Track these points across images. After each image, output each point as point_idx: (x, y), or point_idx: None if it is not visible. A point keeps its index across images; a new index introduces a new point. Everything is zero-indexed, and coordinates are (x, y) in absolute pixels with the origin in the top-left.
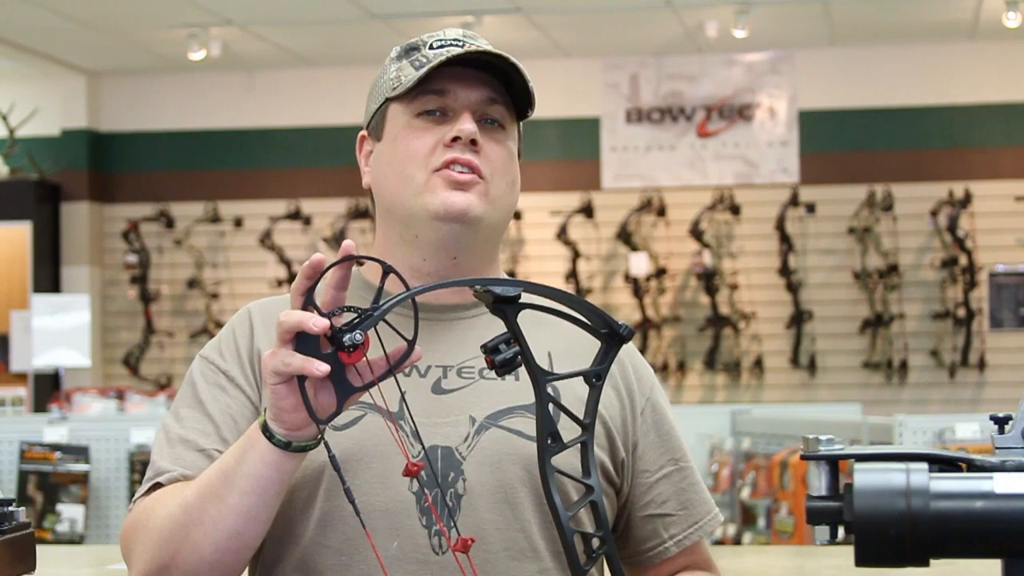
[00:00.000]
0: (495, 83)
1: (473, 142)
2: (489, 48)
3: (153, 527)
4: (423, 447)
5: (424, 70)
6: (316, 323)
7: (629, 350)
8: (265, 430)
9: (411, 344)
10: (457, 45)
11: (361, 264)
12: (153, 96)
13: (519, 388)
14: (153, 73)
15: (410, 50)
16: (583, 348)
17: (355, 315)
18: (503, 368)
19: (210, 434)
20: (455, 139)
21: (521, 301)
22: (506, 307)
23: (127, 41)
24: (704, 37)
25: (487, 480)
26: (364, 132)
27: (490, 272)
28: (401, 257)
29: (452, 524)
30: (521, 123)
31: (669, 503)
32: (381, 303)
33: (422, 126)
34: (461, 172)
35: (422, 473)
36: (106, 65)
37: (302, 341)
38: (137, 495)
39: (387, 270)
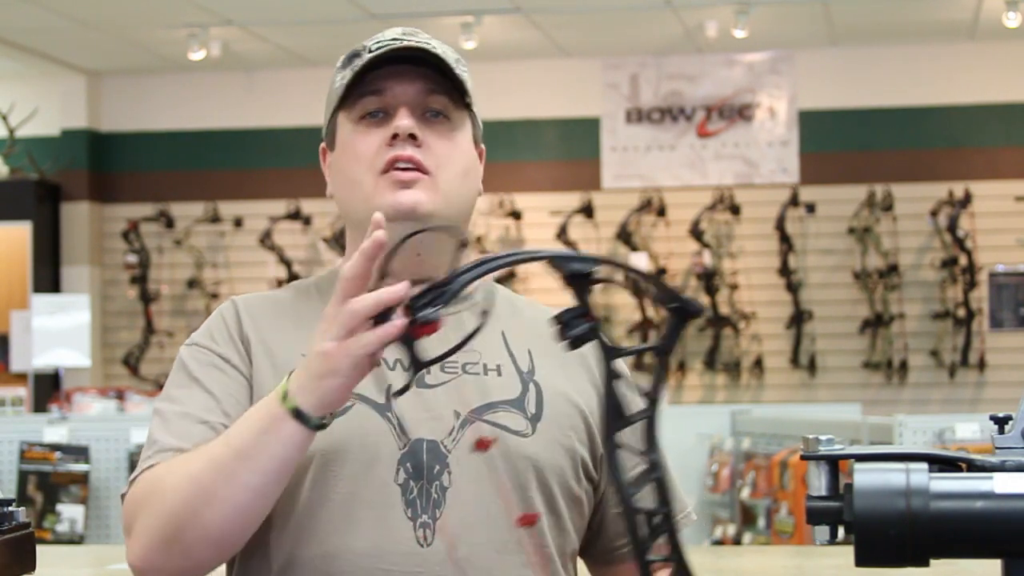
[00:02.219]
0: (435, 75)
1: (413, 137)
2: (418, 42)
3: (160, 500)
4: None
5: (351, 74)
6: (394, 293)
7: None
8: (298, 415)
9: (477, 326)
10: (395, 44)
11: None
12: (153, 96)
13: (502, 383)
14: (153, 73)
15: (352, 57)
16: (565, 354)
17: (427, 288)
18: (575, 342)
19: (212, 408)
20: (394, 137)
21: (594, 276)
22: (579, 282)
23: (127, 41)
24: (704, 37)
25: (472, 473)
26: (323, 144)
27: (456, 263)
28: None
29: (436, 517)
30: (474, 111)
31: (643, 500)
32: (455, 274)
33: (365, 129)
34: (404, 170)
35: (408, 465)
36: (106, 65)
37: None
38: (136, 473)
39: (462, 243)
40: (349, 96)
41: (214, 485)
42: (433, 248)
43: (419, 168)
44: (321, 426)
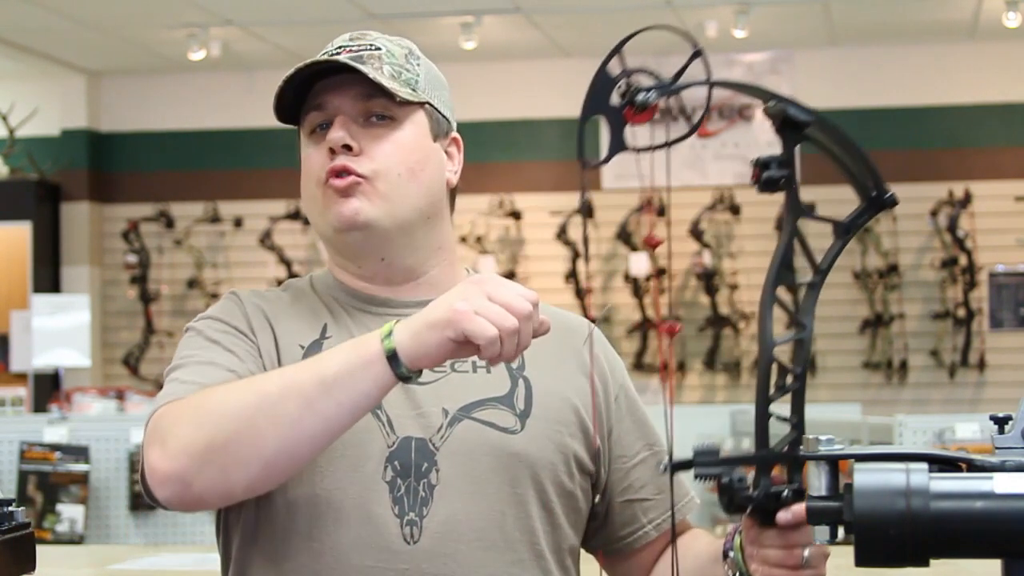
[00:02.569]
0: (369, 78)
1: (348, 148)
2: (357, 48)
3: (215, 409)
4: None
5: (276, 92)
6: (543, 325)
7: (599, 339)
8: (392, 357)
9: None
10: (337, 54)
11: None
12: (153, 96)
13: (490, 380)
14: (153, 73)
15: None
16: (556, 349)
17: (654, 84)
18: (766, 185)
19: (237, 365)
20: (331, 151)
21: (806, 132)
22: (789, 131)
23: (127, 41)
24: (704, 37)
25: (460, 471)
26: None
27: (435, 262)
28: (342, 266)
29: (423, 514)
30: (435, 104)
31: (647, 488)
32: (679, 81)
33: (313, 144)
34: (339, 178)
35: (396, 463)
36: (106, 65)
37: (595, 92)
38: (162, 402)
39: (696, 52)
40: (298, 113)
41: (287, 405)
42: (390, 250)
43: (353, 175)
44: (407, 378)
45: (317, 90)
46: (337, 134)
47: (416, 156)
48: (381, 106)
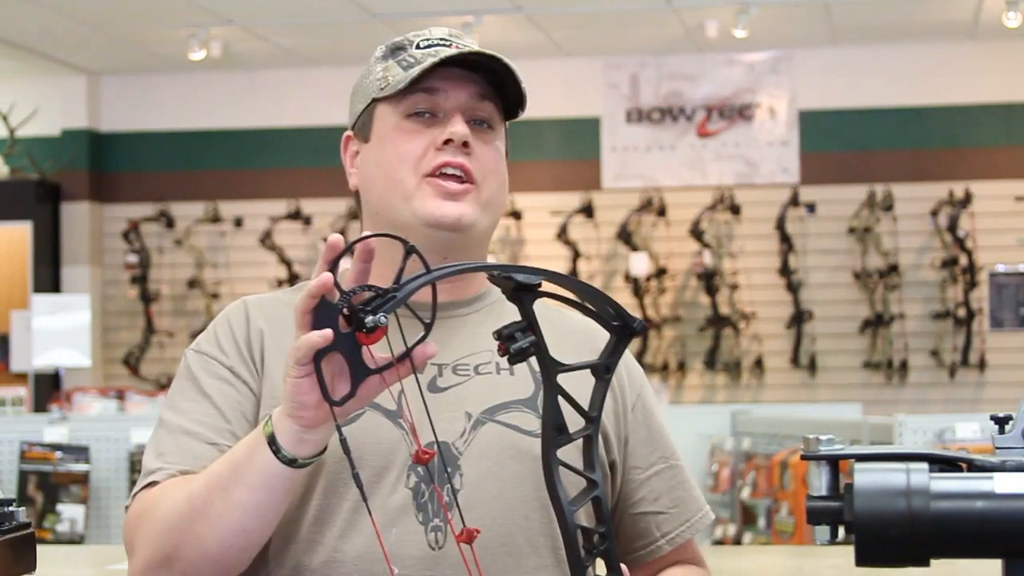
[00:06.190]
0: (483, 82)
1: (465, 144)
2: (480, 48)
3: (158, 517)
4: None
5: (417, 70)
6: (322, 335)
7: None
8: (272, 441)
9: (427, 328)
10: (445, 44)
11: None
12: (153, 96)
13: (514, 383)
14: (153, 73)
15: (396, 49)
16: (575, 355)
17: (374, 294)
18: (517, 356)
19: (221, 429)
20: (447, 141)
21: (539, 289)
22: (524, 295)
23: (127, 41)
24: (704, 37)
25: (484, 475)
26: (349, 132)
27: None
28: (390, 258)
29: (447, 520)
30: (507, 123)
31: (661, 500)
32: (402, 283)
33: (412, 128)
34: (453, 181)
35: (419, 469)
36: (106, 65)
37: (320, 319)
38: (136, 489)
39: (409, 250)
40: (398, 91)
41: (210, 501)
42: (459, 252)
43: (468, 178)
44: (292, 461)
45: (427, 75)
46: (462, 129)
47: (504, 168)
48: (487, 112)
